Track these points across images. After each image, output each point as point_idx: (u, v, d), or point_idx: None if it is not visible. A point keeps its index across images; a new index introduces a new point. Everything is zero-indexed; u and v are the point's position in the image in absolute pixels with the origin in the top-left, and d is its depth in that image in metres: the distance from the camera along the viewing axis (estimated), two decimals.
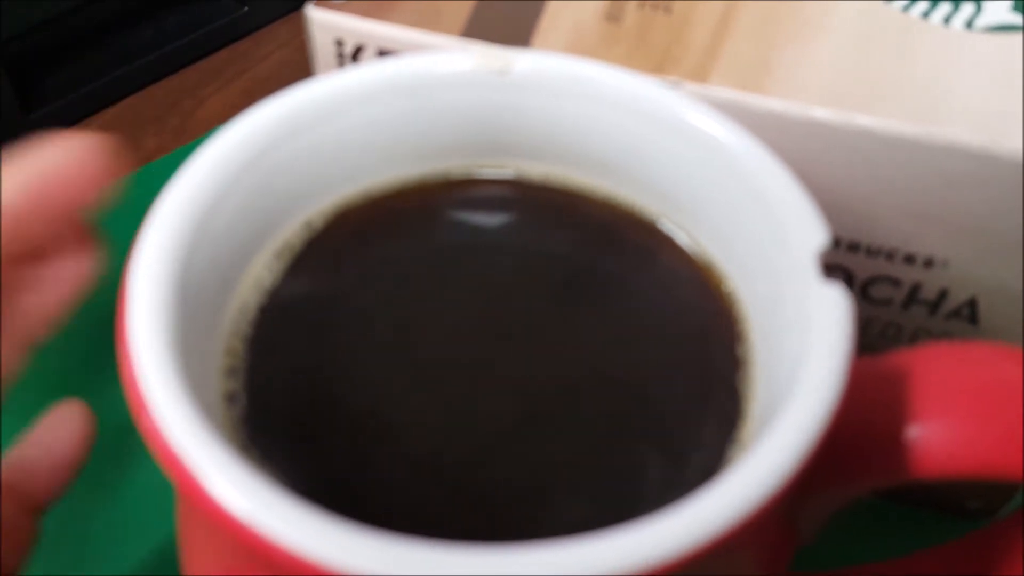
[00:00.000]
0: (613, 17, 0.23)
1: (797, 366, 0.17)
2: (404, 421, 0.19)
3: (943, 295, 0.24)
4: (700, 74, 0.22)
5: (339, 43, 0.24)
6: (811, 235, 0.18)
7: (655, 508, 0.17)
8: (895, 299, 0.24)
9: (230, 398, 0.19)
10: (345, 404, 0.19)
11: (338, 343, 0.20)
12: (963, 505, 0.29)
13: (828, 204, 0.20)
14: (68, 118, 0.38)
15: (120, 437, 0.30)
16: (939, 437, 0.18)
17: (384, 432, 0.19)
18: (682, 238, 0.21)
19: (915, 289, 0.24)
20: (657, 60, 0.22)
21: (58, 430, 0.24)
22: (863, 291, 0.24)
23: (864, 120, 0.21)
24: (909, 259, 0.23)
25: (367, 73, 0.21)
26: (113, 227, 0.34)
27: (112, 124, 0.38)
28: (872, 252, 0.23)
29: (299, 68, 0.40)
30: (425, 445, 0.19)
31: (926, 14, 0.23)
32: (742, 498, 0.15)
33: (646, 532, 0.14)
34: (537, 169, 0.22)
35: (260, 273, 0.20)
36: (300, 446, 0.18)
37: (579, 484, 0.18)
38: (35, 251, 0.19)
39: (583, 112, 0.21)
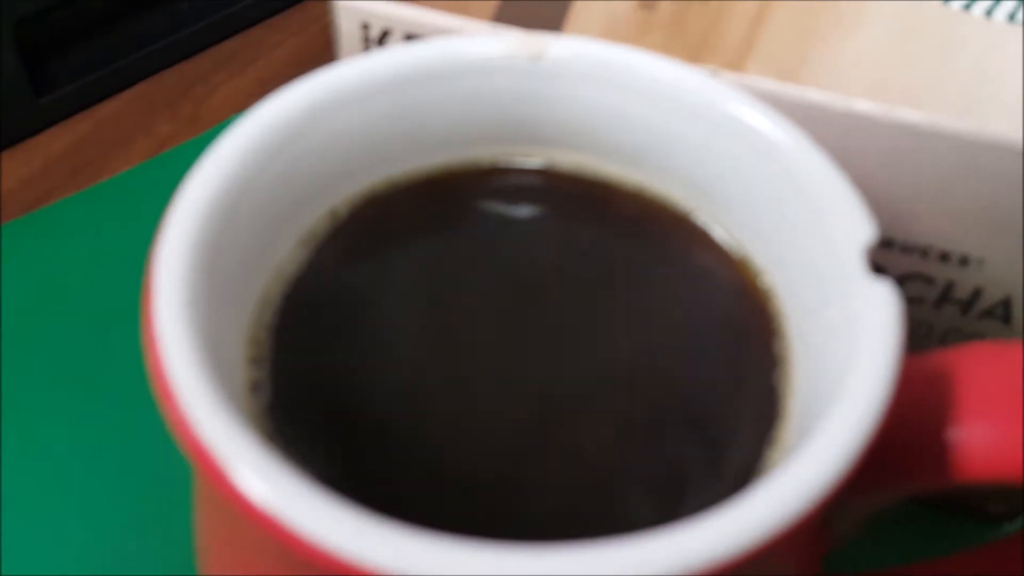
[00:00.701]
0: (647, 5, 0.23)
1: (844, 366, 0.16)
2: (431, 414, 0.18)
3: (977, 294, 0.24)
4: (737, 63, 0.22)
5: (365, 27, 0.23)
6: (858, 230, 0.18)
7: (692, 507, 0.17)
8: (927, 298, 0.24)
9: (255, 387, 0.18)
10: (370, 395, 0.18)
11: (362, 333, 0.19)
12: (986, 509, 0.28)
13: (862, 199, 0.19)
14: (80, 102, 0.37)
15: (126, 433, 0.29)
16: (984, 440, 0.18)
17: (411, 425, 0.18)
18: (717, 232, 0.21)
19: (948, 288, 0.23)
20: (693, 49, 0.22)
21: None
22: None
23: (904, 114, 0.21)
24: (944, 257, 0.23)
25: (394, 58, 0.20)
26: (131, 215, 0.34)
27: (125, 109, 0.38)
28: (906, 249, 0.23)
29: (314, 57, 0.39)
30: (454, 439, 0.18)
31: (967, 7, 0.23)
32: (792, 500, 0.14)
33: (696, 534, 0.14)
34: (568, 159, 0.22)
35: (284, 262, 0.20)
36: (325, 436, 0.18)
37: (612, 482, 0.18)
38: None
39: (618, 101, 0.20)
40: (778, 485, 0.15)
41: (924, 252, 0.23)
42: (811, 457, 0.15)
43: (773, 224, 0.19)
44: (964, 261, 0.23)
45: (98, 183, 0.35)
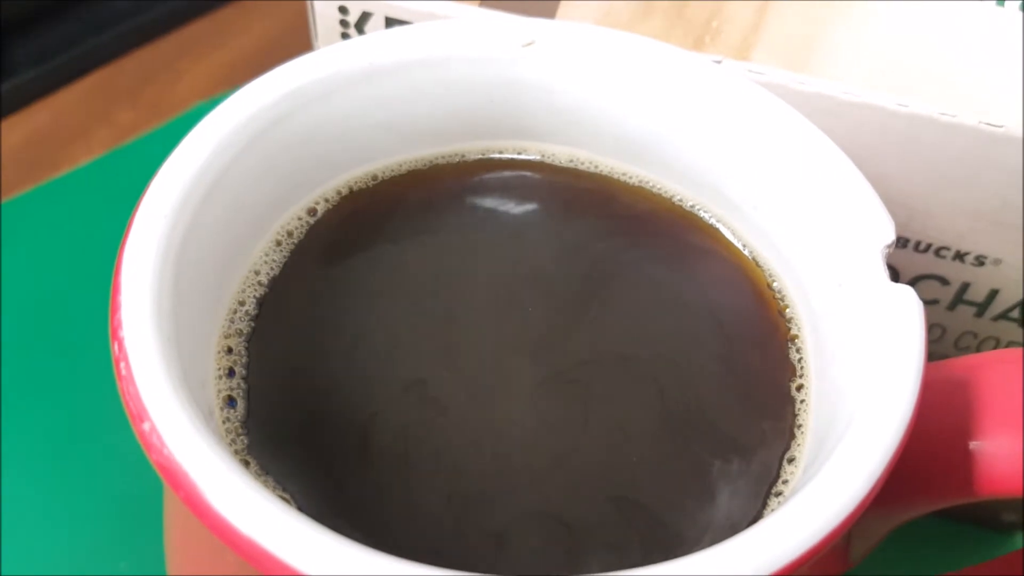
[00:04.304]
0: None
1: (866, 376, 0.15)
2: (418, 429, 0.17)
3: (992, 295, 0.22)
4: (742, 52, 0.20)
5: (342, 10, 0.22)
6: (877, 231, 0.16)
7: (710, 523, 0.16)
8: (942, 299, 0.23)
9: (229, 401, 0.16)
10: (352, 408, 0.17)
11: (343, 341, 0.18)
12: (998, 518, 0.27)
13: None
14: (38, 90, 0.35)
15: (96, 437, 0.28)
16: (1010, 454, 0.16)
17: (396, 440, 0.17)
18: (724, 231, 0.19)
19: (964, 289, 0.22)
20: (696, 35, 0.20)
21: None
22: None
23: (920, 107, 0.20)
24: (960, 256, 0.22)
25: (373, 45, 0.19)
26: (90, 211, 0.32)
27: (83, 98, 0.36)
28: (921, 249, 0.22)
29: (286, 42, 0.37)
30: (442, 456, 0.17)
31: None
32: (821, 517, 0.13)
33: (725, 556, 0.13)
34: (562, 152, 0.20)
35: (258, 264, 0.18)
36: (303, 452, 0.16)
37: (619, 499, 0.16)
38: None
39: (616, 91, 0.19)
40: (807, 503, 0.13)
41: (939, 252, 0.22)
42: (839, 473, 0.14)
43: (786, 225, 0.18)
44: (981, 261, 0.22)
45: (55, 177, 0.33)
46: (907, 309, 0.15)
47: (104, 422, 0.28)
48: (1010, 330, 0.23)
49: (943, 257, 0.22)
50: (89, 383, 0.28)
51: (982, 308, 0.23)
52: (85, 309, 0.30)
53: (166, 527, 0.19)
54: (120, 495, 0.27)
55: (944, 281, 0.22)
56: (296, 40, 0.38)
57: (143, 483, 0.26)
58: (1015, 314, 0.22)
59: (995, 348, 0.24)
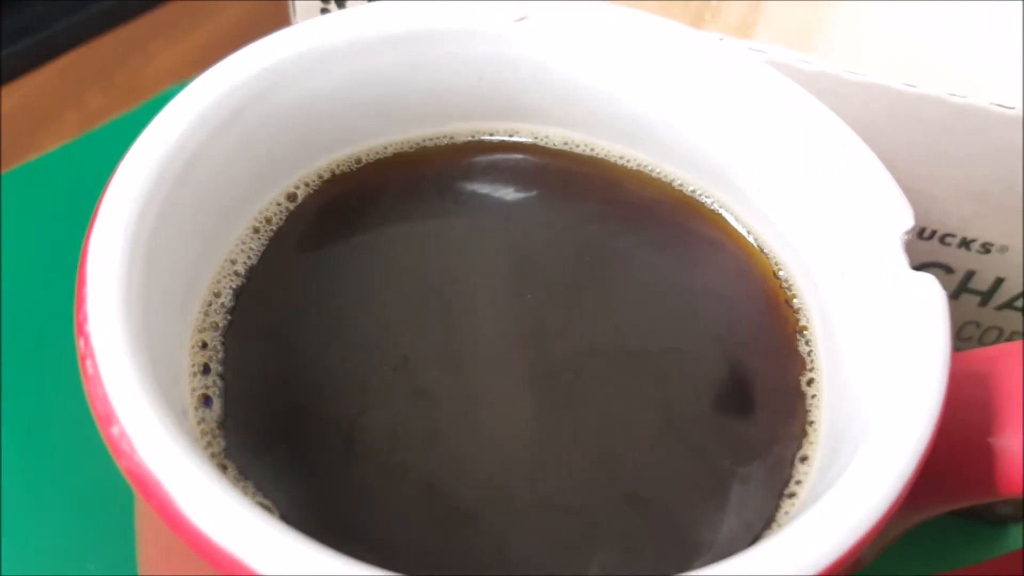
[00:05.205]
0: None
1: (888, 368, 0.14)
2: (405, 425, 0.16)
3: (997, 284, 0.22)
4: (743, 29, 0.19)
5: None
6: (894, 216, 0.16)
7: (725, 526, 0.15)
8: (946, 288, 0.22)
9: (204, 401, 0.15)
10: (335, 407, 0.16)
11: (324, 335, 0.17)
12: (993, 510, 0.27)
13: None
14: (6, 72, 0.34)
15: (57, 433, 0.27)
16: None
17: (382, 439, 0.16)
18: (727, 216, 0.18)
19: (968, 277, 0.22)
20: (695, 12, 0.20)
21: None
22: None
23: (928, 87, 0.19)
24: (966, 244, 0.21)
25: (356, 19, 0.18)
26: (59, 198, 0.31)
27: (54, 79, 0.35)
28: (926, 236, 0.21)
29: (262, 23, 0.36)
30: (434, 458, 0.16)
31: None
32: (850, 522, 0.12)
33: (760, 559, 0.12)
34: (556, 134, 0.19)
35: (234, 252, 0.17)
36: (283, 455, 0.15)
37: (626, 499, 0.15)
38: None
39: (614, 68, 0.18)
40: (835, 507, 0.12)
41: (944, 239, 0.21)
42: (867, 473, 0.13)
43: (794, 210, 0.17)
44: (987, 248, 0.21)
45: (23, 163, 0.32)
46: (930, 298, 0.14)
47: (67, 418, 0.27)
48: (1013, 319, 0.22)
49: (948, 244, 0.21)
50: (52, 377, 0.27)
51: (986, 297, 0.22)
52: (51, 302, 0.29)
53: (137, 526, 0.18)
54: (88, 492, 0.26)
55: (948, 269, 0.21)
56: (272, 22, 0.37)
57: (112, 480, 0.25)
58: (1019, 303, 0.22)
59: (998, 338, 0.23)
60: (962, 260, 0.21)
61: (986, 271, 0.21)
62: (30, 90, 0.34)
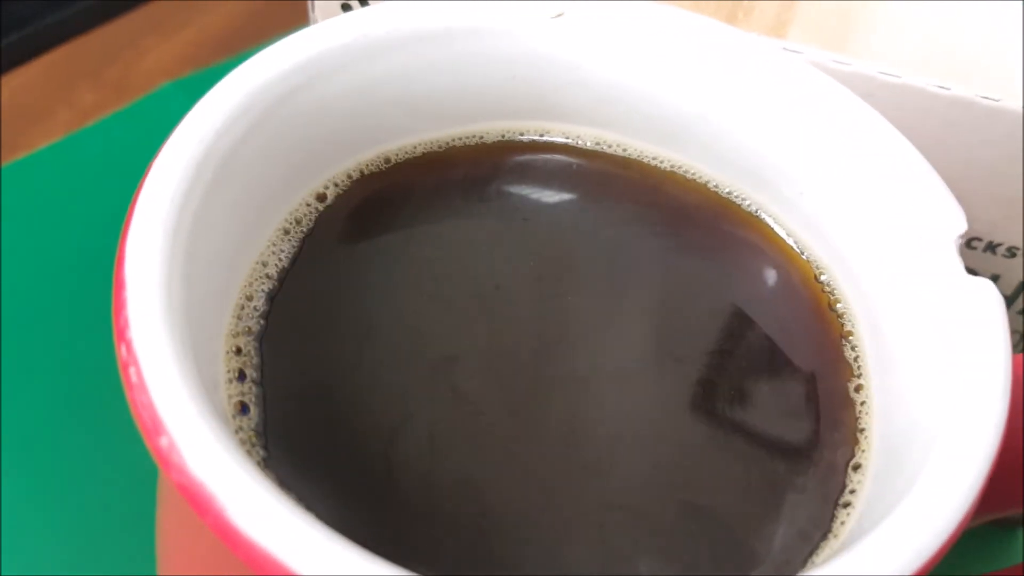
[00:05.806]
0: None
1: (946, 375, 0.14)
2: (444, 434, 0.15)
3: (1021, 288, 0.21)
4: (777, 29, 0.19)
5: None
6: (947, 220, 0.15)
7: (774, 531, 0.14)
8: None
9: (241, 408, 0.15)
10: (377, 414, 0.15)
11: (360, 338, 0.16)
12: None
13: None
14: None
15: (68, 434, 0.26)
16: None
17: (422, 448, 0.15)
18: (766, 218, 0.18)
19: (992, 281, 0.21)
20: (728, 11, 0.19)
21: None
22: None
23: (962, 89, 0.19)
24: (991, 248, 0.21)
25: (383, 16, 0.17)
26: (51, 197, 0.30)
27: (43, 76, 0.34)
28: None
29: (255, 20, 0.36)
30: (478, 466, 0.15)
31: None
32: (935, 529, 0.12)
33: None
34: (588, 134, 0.19)
35: (265, 255, 0.17)
36: (326, 465, 0.15)
37: (679, 507, 0.15)
38: None
39: (651, 66, 0.18)
40: (914, 520, 0.12)
41: (971, 243, 0.21)
42: (942, 485, 0.13)
43: (839, 213, 0.17)
44: (1012, 252, 0.21)
45: (12, 161, 0.31)
46: (988, 304, 0.14)
47: (64, 415, 0.26)
48: None
49: (974, 248, 0.21)
50: (49, 377, 0.27)
51: (1009, 302, 0.22)
52: (44, 301, 0.28)
53: (158, 526, 0.18)
54: (88, 492, 0.25)
55: (973, 274, 0.21)
56: (266, 18, 0.37)
57: (112, 480, 0.24)
58: None
59: (1019, 343, 0.23)
60: (987, 264, 0.21)
61: (1011, 276, 0.21)
62: (20, 87, 0.33)
